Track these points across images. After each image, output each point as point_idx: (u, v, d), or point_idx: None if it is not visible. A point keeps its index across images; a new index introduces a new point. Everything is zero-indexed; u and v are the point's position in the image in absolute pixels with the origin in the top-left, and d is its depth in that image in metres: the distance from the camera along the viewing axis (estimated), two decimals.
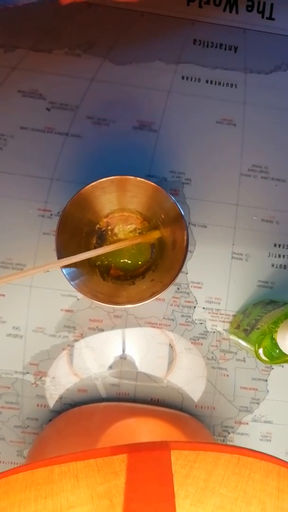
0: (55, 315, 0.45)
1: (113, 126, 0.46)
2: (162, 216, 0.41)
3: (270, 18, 0.47)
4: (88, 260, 0.40)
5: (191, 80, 0.47)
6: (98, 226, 0.44)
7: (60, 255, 0.37)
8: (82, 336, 0.45)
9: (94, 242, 0.44)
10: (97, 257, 0.43)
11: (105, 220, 0.44)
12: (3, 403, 0.45)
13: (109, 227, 0.44)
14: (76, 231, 0.41)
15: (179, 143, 0.46)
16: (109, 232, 0.44)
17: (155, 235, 0.43)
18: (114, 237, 0.44)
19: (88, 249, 0.42)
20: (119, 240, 0.44)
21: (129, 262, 0.44)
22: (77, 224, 0.41)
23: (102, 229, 0.44)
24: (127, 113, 0.46)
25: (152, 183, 0.38)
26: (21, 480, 0.25)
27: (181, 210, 0.38)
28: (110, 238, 0.44)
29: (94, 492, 0.24)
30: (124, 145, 0.46)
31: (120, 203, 0.43)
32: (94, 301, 0.38)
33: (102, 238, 0.44)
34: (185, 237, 0.38)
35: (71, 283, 0.37)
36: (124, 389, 0.46)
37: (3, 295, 0.45)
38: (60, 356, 0.45)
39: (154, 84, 0.46)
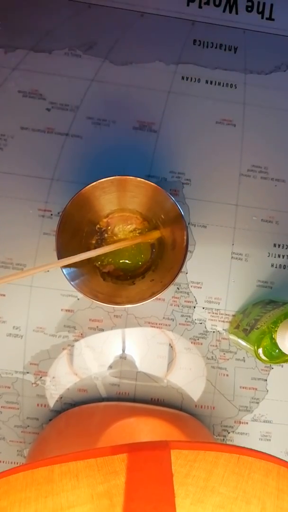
0: (55, 315, 0.45)
1: (113, 126, 0.46)
2: (162, 216, 0.41)
3: (270, 18, 0.47)
4: (88, 260, 0.40)
5: (191, 80, 0.47)
6: (98, 226, 0.44)
7: (60, 255, 0.37)
8: (82, 336, 0.45)
9: (94, 242, 0.44)
10: (97, 257, 0.43)
11: (105, 220, 0.44)
12: (3, 402, 0.45)
13: (109, 227, 0.44)
14: (76, 231, 0.41)
15: (179, 143, 0.46)
16: (109, 232, 0.44)
17: (155, 235, 0.43)
18: (114, 237, 0.44)
19: (88, 249, 0.42)
20: (119, 240, 0.44)
21: (129, 262, 0.44)
22: (77, 224, 0.41)
23: (102, 229, 0.44)
24: (127, 113, 0.46)
25: (152, 183, 0.38)
26: (21, 480, 0.25)
27: (181, 210, 0.38)
28: (110, 238, 0.44)
29: (94, 492, 0.24)
30: (124, 146, 0.46)
31: (120, 203, 0.43)
32: (94, 301, 0.38)
33: (102, 238, 0.44)
34: (185, 237, 0.38)
35: (71, 283, 0.37)
36: (124, 388, 0.46)
37: (4, 295, 0.45)
38: (60, 356, 0.45)
39: (154, 84, 0.46)
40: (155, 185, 0.38)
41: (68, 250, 0.38)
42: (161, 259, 0.43)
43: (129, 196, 0.41)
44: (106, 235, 0.44)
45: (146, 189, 0.39)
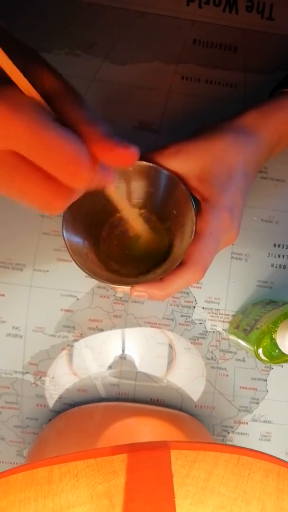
0: (55, 315, 0.45)
1: (113, 126, 0.46)
2: (174, 212, 0.40)
3: (270, 18, 0.47)
4: (96, 253, 0.39)
5: (191, 80, 0.47)
6: (111, 219, 0.42)
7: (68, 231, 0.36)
8: (81, 336, 0.45)
9: (105, 234, 0.43)
10: (104, 251, 0.42)
11: (118, 215, 0.43)
12: (2, 403, 0.45)
13: (122, 223, 0.43)
14: (85, 217, 0.39)
15: None
16: (120, 228, 0.43)
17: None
18: (125, 234, 0.43)
19: (97, 239, 0.41)
20: (131, 238, 0.43)
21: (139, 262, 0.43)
22: (87, 210, 0.39)
23: (115, 223, 0.42)
24: (127, 113, 0.46)
25: (164, 170, 0.37)
26: (21, 480, 0.25)
27: (192, 200, 0.37)
28: (121, 234, 0.43)
29: (94, 492, 0.24)
30: None
31: (131, 197, 0.41)
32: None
33: (112, 232, 0.42)
34: (194, 226, 0.37)
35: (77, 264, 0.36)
36: (123, 389, 0.46)
37: (3, 295, 0.45)
38: (60, 356, 0.45)
39: (154, 84, 0.46)
40: (168, 173, 0.37)
41: (76, 228, 0.37)
42: (169, 258, 0.42)
43: (138, 186, 0.40)
44: (116, 230, 0.43)
45: (156, 176, 0.38)
